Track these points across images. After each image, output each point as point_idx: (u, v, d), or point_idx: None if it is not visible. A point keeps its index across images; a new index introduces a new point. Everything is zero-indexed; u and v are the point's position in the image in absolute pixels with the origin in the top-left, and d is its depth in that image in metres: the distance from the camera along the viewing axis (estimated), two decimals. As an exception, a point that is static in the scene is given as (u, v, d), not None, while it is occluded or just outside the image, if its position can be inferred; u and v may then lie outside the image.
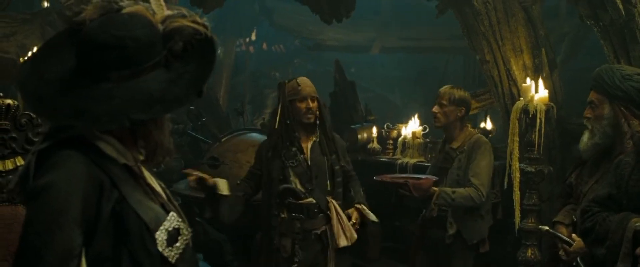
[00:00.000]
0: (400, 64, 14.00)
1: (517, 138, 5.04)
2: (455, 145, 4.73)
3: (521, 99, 5.15)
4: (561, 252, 3.28)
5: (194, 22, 1.80)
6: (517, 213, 4.97)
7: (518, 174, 4.96)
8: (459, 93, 4.69)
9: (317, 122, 4.38)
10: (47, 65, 1.81)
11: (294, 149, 4.29)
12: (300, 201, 4.18)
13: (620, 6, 4.34)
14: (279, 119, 4.28)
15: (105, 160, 1.78)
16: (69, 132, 1.77)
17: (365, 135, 6.87)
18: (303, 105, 4.31)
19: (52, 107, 1.74)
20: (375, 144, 6.71)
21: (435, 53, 12.25)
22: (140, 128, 1.84)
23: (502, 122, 5.82)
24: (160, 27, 1.80)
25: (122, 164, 1.81)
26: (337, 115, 7.21)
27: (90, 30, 1.76)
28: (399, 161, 6.19)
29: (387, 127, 6.93)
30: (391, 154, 6.71)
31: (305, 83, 4.34)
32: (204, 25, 1.80)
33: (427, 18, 10.51)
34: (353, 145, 6.67)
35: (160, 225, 1.80)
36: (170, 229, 1.81)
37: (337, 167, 4.38)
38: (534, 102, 5.05)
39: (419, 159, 6.09)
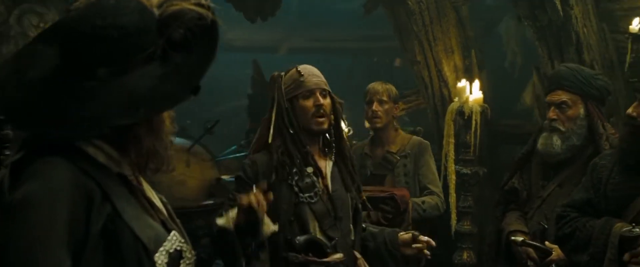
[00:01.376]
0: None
1: (452, 140, 4.98)
2: (393, 148, 4.31)
3: (456, 99, 5.09)
4: (530, 264, 3.16)
5: (196, 4, 1.51)
6: (453, 216, 4.90)
7: (454, 176, 4.89)
8: (393, 89, 4.31)
9: (332, 130, 2.94)
10: (31, 63, 1.52)
11: (309, 173, 2.82)
12: (325, 259, 2.68)
13: (559, 7, 4.33)
14: (275, 128, 2.84)
15: (95, 169, 1.51)
16: (50, 138, 1.49)
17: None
18: (309, 103, 2.83)
19: (26, 112, 1.47)
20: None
21: (345, 55, 12.19)
22: (127, 133, 1.53)
23: (431, 123, 5.74)
24: (156, 11, 1.51)
25: (116, 173, 1.55)
26: (257, 120, 6.92)
27: (71, 20, 1.51)
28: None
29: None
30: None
31: (310, 71, 2.91)
32: (208, 8, 1.51)
33: (338, 19, 10.43)
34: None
35: (160, 246, 1.55)
36: (171, 250, 1.56)
37: (359, 206, 2.99)
38: (469, 103, 5.00)
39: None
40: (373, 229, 3.07)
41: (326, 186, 2.86)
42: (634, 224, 2.49)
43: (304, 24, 12.74)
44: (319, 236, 2.77)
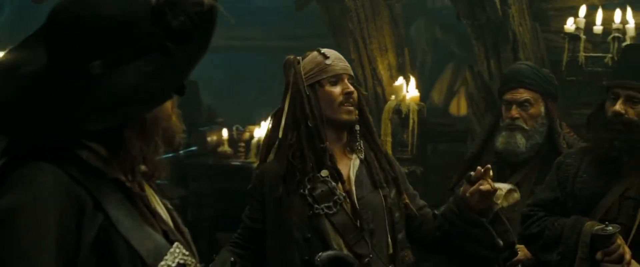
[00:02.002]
0: (221, 63, 13.59)
1: (389, 138, 4.96)
2: None
3: (392, 98, 5.06)
4: None
5: None
6: (392, 216, 4.86)
7: (392, 176, 4.86)
8: None
9: (359, 123, 2.54)
10: (22, 61, 1.37)
11: (324, 178, 2.38)
12: None
13: (498, 6, 4.36)
14: (288, 120, 2.45)
15: (88, 174, 1.35)
16: (33, 142, 1.32)
17: (214, 138, 6.44)
18: (337, 90, 2.43)
19: (8, 116, 1.32)
20: (226, 148, 6.28)
21: (265, 54, 12.02)
22: (117, 135, 1.35)
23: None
24: None
25: (111, 178, 1.38)
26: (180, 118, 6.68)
27: (53, 13, 1.35)
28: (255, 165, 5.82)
29: (237, 129, 6.53)
30: (243, 157, 6.33)
31: (335, 55, 2.52)
32: None
33: (257, 17, 10.26)
34: (202, 149, 6.23)
35: (161, 259, 1.38)
36: (173, 264, 1.39)
37: (397, 213, 2.48)
38: (407, 101, 4.99)
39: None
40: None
41: (348, 192, 2.39)
42: (606, 223, 2.49)
43: (219, 21, 12.45)
44: (346, 252, 2.33)
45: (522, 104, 3.17)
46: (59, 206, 1.28)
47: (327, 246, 2.31)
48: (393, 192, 2.46)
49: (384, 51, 5.42)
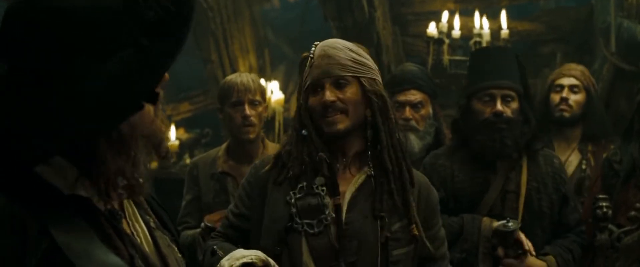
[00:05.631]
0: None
1: (273, 141, 4.88)
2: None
3: (257, 101, 4.97)
4: None
5: None
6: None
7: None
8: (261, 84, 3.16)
9: (371, 133, 2.05)
10: None
11: (318, 191, 1.99)
12: None
13: (366, 9, 4.43)
14: (298, 119, 2.06)
15: (40, 193, 1.16)
16: None
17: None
18: (316, 100, 2.01)
19: None
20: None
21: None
22: (87, 150, 1.14)
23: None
24: None
25: (68, 195, 1.17)
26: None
27: (8, 7, 1.14)
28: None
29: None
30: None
31: (322, 52, 2.02)
32: None
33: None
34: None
35: None
36: None
37: (398, 251, 1.99)
38: (272, 103, 4.91)
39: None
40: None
41: (338, 209, 1.96)
42: (508, 218, 2.58)
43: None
44: None
45: (415, 106, 3.18)
46: None
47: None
48: (398, 225, 1.99)
49: (245, 52, 5.32)
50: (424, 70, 3.44)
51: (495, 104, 2.69)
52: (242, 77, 3.03)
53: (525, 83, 2.83)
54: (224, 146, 3.14)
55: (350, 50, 2.01)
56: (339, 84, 1.97)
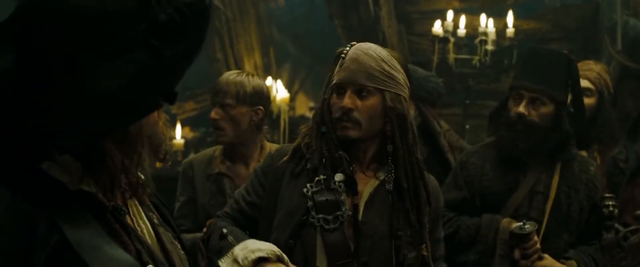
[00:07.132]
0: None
1: (266, 140, 4.88)
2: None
3: (262, 99, 4.97)
4: None
5: None
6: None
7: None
8: (253, 82, 2.73)
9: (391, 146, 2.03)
10: None
11: (337, 187, 1.98)
12: None
13: (371, 7, 4.44)
14: (320, 114, 2.02)
15: (48, 189, 1.16)
16: None
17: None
18: (337, 103, 1.99)
19: None
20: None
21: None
22: (94, 147, 1.15)
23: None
24: None
25: (75, 190, 1.18)
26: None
27: (21, 8, 1.14)
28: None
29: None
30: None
31: (354, 56, 1.99)
32: None
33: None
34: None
35: None
36: None
37: (412, 254, 2.03)
38: (277, 102, 4.93)
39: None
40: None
41: (356, 208, 1.98)
42: (524, 221, 2.55)
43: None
44: None
45: None
46: (3, 228, 1.10)
47: (308, 264, 1.97)
48: (409, 231, 2.02)
49: (250, 51, 5.33)
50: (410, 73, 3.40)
51: (521, 105, 2.66)
52: (225, 76, 2.80)
53: (576, 91, 2.71)
54: (220, 146, 2.97)
55: (383, 60, 1.96)
56: (361, 93, 1.94)
